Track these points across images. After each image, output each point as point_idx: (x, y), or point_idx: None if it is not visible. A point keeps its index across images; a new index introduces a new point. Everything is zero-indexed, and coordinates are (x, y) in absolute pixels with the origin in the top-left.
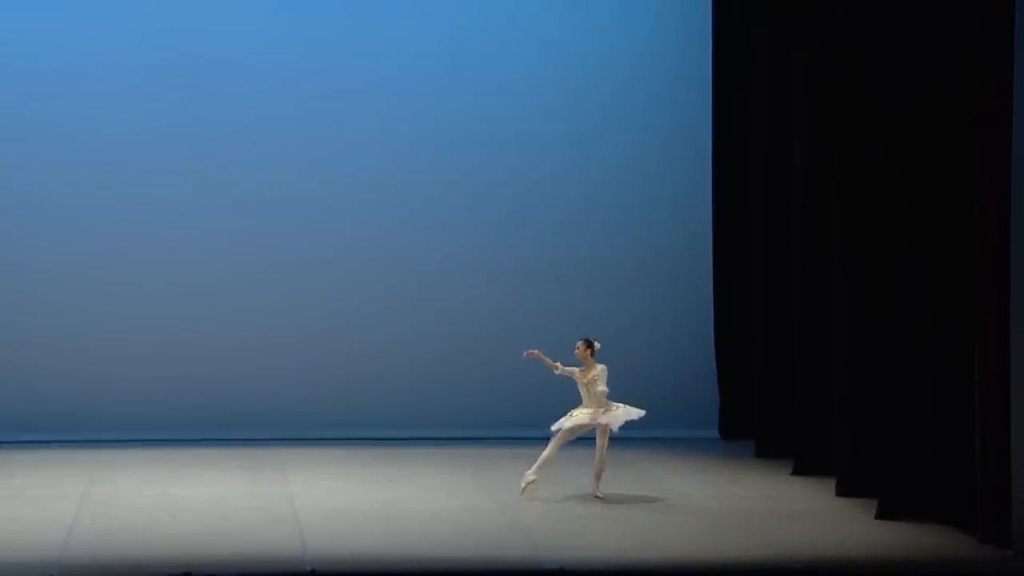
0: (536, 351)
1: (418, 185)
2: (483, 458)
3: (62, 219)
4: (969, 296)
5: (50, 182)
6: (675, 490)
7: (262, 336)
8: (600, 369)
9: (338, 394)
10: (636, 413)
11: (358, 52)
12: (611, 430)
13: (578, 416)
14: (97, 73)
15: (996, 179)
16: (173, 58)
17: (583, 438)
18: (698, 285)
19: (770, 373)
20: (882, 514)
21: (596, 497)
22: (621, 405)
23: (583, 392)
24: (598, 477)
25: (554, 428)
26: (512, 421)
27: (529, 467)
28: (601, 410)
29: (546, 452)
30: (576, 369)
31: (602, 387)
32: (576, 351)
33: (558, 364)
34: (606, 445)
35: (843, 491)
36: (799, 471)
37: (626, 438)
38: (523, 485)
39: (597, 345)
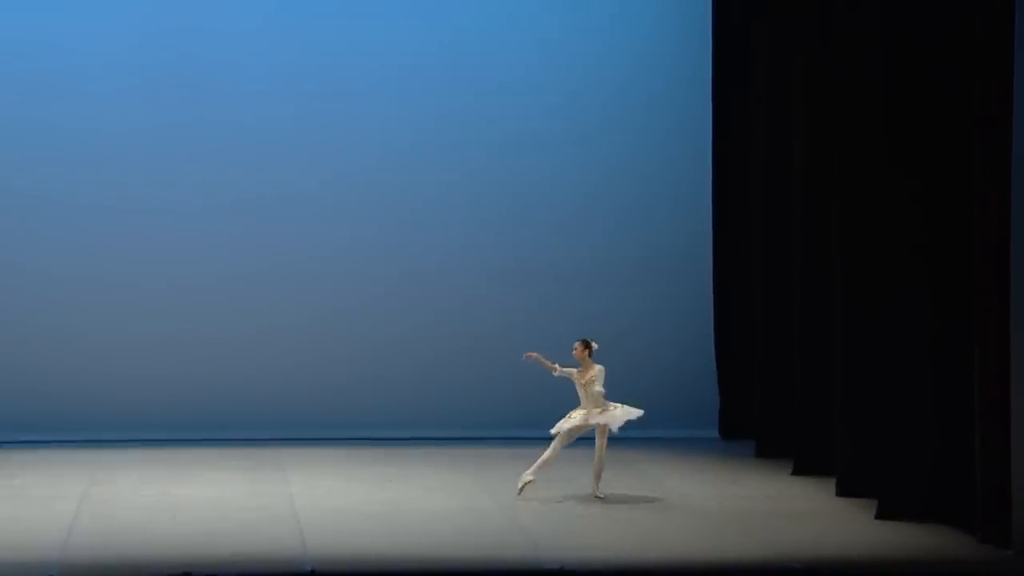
0: (535, 354)
1: (418, 185)
2: (483, 458)
3: (62, 219)
4: (969, 296)
5: (50, 182)
6: (675, 490)
7: (262, 336)
8: (598, 369)
9: (338, 394)
10: (634, 413)
11: (358, 52)
12: (610, 430)
13: (576, 417)
14: (97, 73)
15: (996, 179)
16: (173, 58)
17: (582, 438)
18: (698, 285)
19: (770, 373)
20: (882, 514)
21: (596, 497)
22: (619, 405)
23: (581, 393)
24: (598, 477)
25: (553, 431)
26: (512, 421)
27: (528, 467)
28: (599, 410)
29: (546, 454)
30: (574, 370)
31: (598, 387)
32: (574, 352)
33: (556, 366)
34: (605, 445)
35: (843, 491)
36: (799, 471)
37: (626, 438)
38: (520, 485)
39: (595, 345)
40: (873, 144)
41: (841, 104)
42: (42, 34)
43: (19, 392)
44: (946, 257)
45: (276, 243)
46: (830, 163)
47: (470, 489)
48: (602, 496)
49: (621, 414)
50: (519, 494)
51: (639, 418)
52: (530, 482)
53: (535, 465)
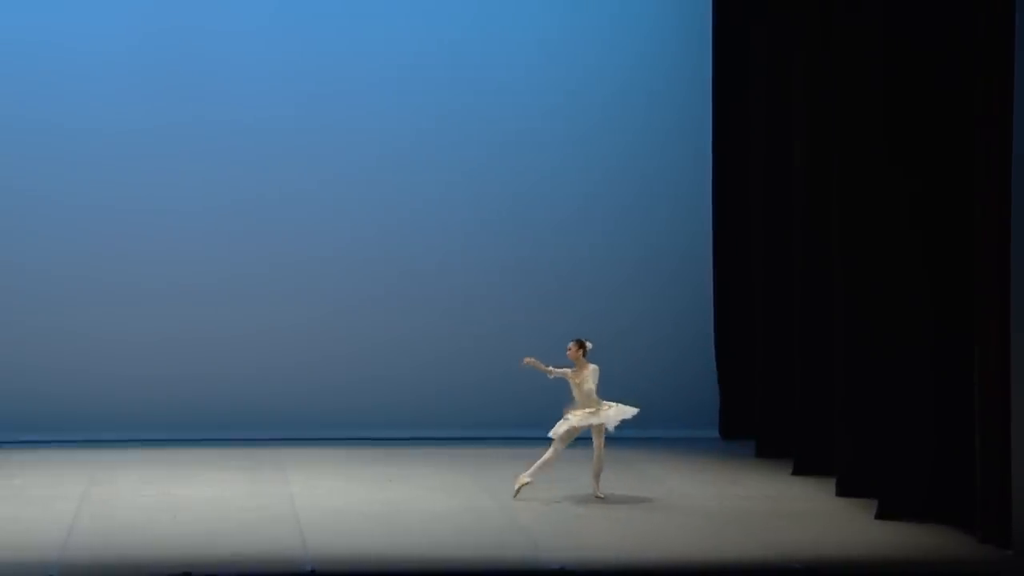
0: (531, 359)
1: (418, 185)
2: (483, 458)
3: (62, 219)
4: (969, 296)
5: (50, 182)
6: (675, 490)
7: (262, 336)
8: (592, 369)
9: (338, 394)
10: (630, 412)
11: (358, 52)
12: (607, 429)
13: (574, 419)
14: (97, 73)
15: (996, 179)
16: (173, 58)
17: (579, 438)
18: (698, 285)
19: (770, 373)
20: (882, 514)
21: (597, 497)
22: (614, 404)
23: (575, 392)
24: (597, 477)
25: (551, 434)
26: (512, 421)
27: (527, 468)
28: (594, 410)
29: (545, 456)
30: (568, 370)
31: (589, 386)
32: (568, 352)
33: (551, 368)
34: (603, 445)
35: (843, 491)
36: (799, 471)
37: (626, 438)
38: (516, 487)
39: (589, 345)
40: (873, 144)
41: (841, 104)
42: (42, 34)
43: (19, 392)
44: (946, 257)
45: (276, 243)
46: (830, 163)
47: (470, 489)
48: (602, 496)
49: (616, 413)
50: (516, 496)
51: (634, 416)
52: (527, 484)
53: (534, 467)
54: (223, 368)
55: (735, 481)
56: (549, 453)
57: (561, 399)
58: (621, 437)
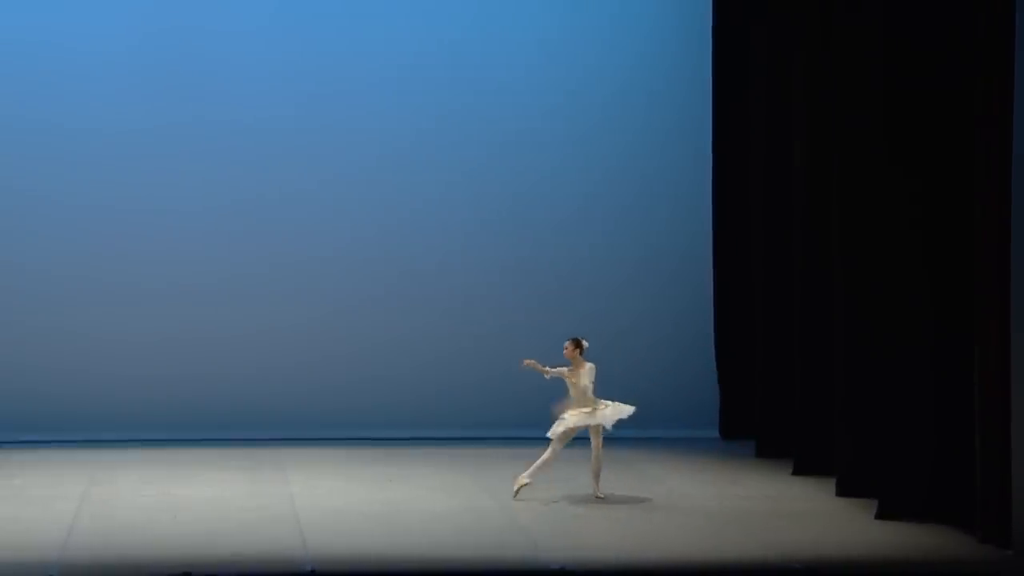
0: (530, 361)
1: (418, 185)
2: (483, 458)
3: (62, 219)
4: (969, 296)
5: (50, 182)
6: (675, 490)
7: (262, 336)
8: (588, 367)
9: (338, 394)
10: (627, 410)
11: (358, 52)
12: (604, 428)
13: (571, 419)
14: (97, 73)
15: (996, 179)
16: (173, 58)
17: (577, 437)
18: (698, 285)
19: (770, 373)
20: (882, 514)
21: (597, 497)
22: (611, 403)
23: (572, 392)
24: (597, 476)
25: (550, 435)
26: (512, 421)
27: (527, 468)
28: (591, 410)
29: (544, 456)
30: (565, 369)
31: (586, 384)
32: (565, 351)
33: (547, 368)
34: (601, 444)
35: (843, 491)
36: (799, 471)
37: (626, 438)
38: (516, 488)
39: (585, 344)
40: (873, 144)
41: (841, 104)
42: (42, 34)
43: (19, 392)
44: (946, 257)
45: (276, 243)
46: (830, 163)
47: (470, 489)
48: (603, 496)
49: (612, 413)
50: (515, 496)
51: (631, 415)
52: (526, 485)
53: (532, 467)
54: (223, 368)
55: (735, 481)
56: (547, 454)
57: (561, 398)
58: (621, 437)
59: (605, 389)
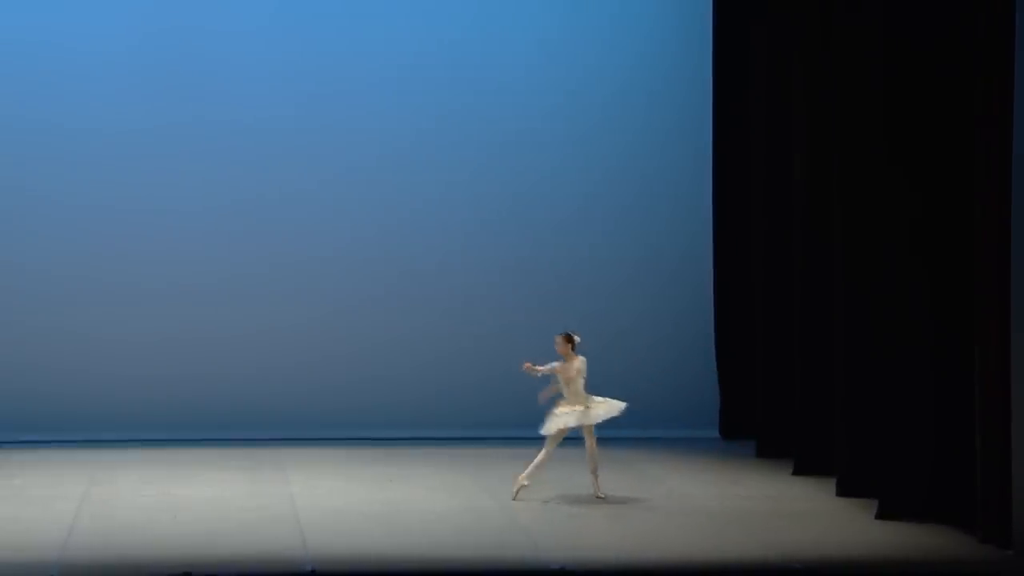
0: (528, 365)
1: (418, 185)
2: (483, 458)
3: (62, 219)
4: (969, 296)
5: (50, 182)
6: (675, 490)
7: (262, 336)
8: (580, 361)
9: (338, 394)
10: (618, 407)
11: (358, 52)
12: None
13: (564, 418)
14: (97, 73)
15: (996, 179)
16: (173, 58)
17: (569, 436)
18: (698, 285)
19: (770, 373)
20: (882, 514)
21: (598, 497)
22: (602, 399)
23: (564, 387)
24: (595, 474)
25: (544, 431)
26: (512, 421)
27: (525, 468)
28: (583, 408)
29: (539, 457)
30: (556, 364)
31: (578, 379)
32: (556, 347)
33: (538, 368)
34: (595, 443)
35: (843, 491)
36: (799, 471)
37: (626, 438)
38: (515, 489)
39: (577, 339)
40: (873, 144)
41: (841, 104)
42: (42, 34)
43: (19, 392)
44: (946, 257)
45: (276, 243)
46: (830, 163)
47: (470, 489)
48: (603, 496)
49: (604, 411)
50: (515, 497)
51: (622, 412)
52: (525, 486)
53: (530, 468)
54: (223, 368)
55: (735, 481)
56: (542, 455)
57: (545, 388)
58: (621, 437)
59: (605, 389)
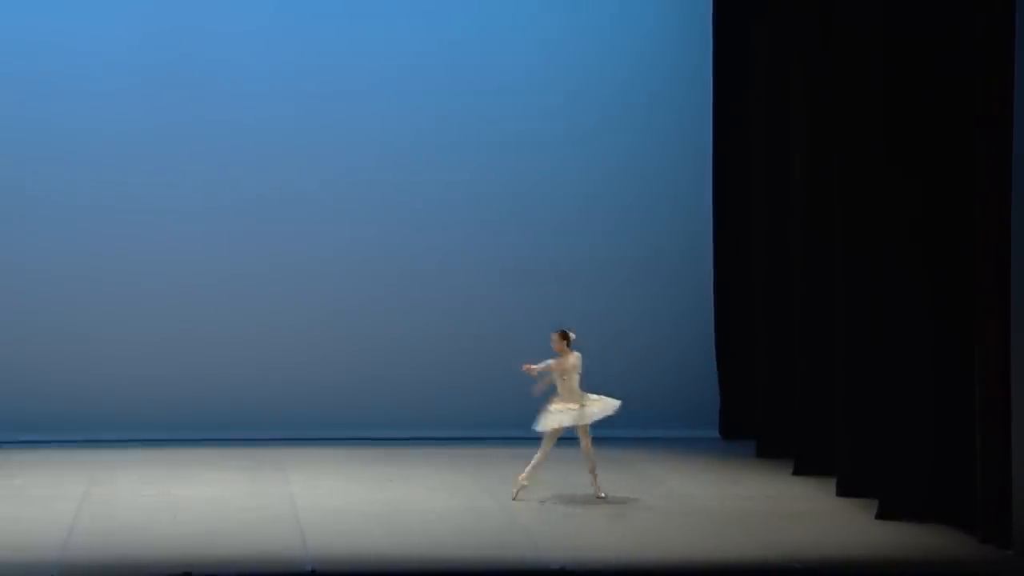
0: (528, 366)
1: (418, 185)
2: (483, 458)
3: (62, 219)
4: (969, 296)
5: (50, 182)
6: (675, 490)
7: (262, 336)
8: (576, 357)
9: (338, 394)
10: (613, 405)
11: (358, 52)
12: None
13: (559, 416)
14: (97, 73)
15: (996, 179)
16: (173, 58)
17: (564, 436)
18: (698, 285)
19: (770, 373)
20: (882, 514)
21: (598, 497)
22: (598, 397)
23: (559, 384)
24: (594, 474)
25: (539, 429)
26: (512, 421)
27: (524, 468)
28: (579, 406)
29: (537, 456)
30: (552, 361)
31: (573, 376)
32: (552, 344)
33: (533, 367)
34: (590, 442)
35: (843, 491)
36: (800, 471)
37: (626, 438)
38: (515, 489)
39: (572, 335)
40: (873, 144)
41: (841, 104)
42: (42, 34)
43: (19, 392)
44: (946, 257)
45: (276, 243)
46: (830, 163)
47: (470, 489)
48: (604, 496)
49: (600, 409)
50: (515, 497)
51: (617, 410)
52: (524, 487)
53: (528, 468)
54: (223, 368)
55: (736, 481)
56: (539, 455)
57: (537, 382)
58: (621, 437)
59: (605, 389)
